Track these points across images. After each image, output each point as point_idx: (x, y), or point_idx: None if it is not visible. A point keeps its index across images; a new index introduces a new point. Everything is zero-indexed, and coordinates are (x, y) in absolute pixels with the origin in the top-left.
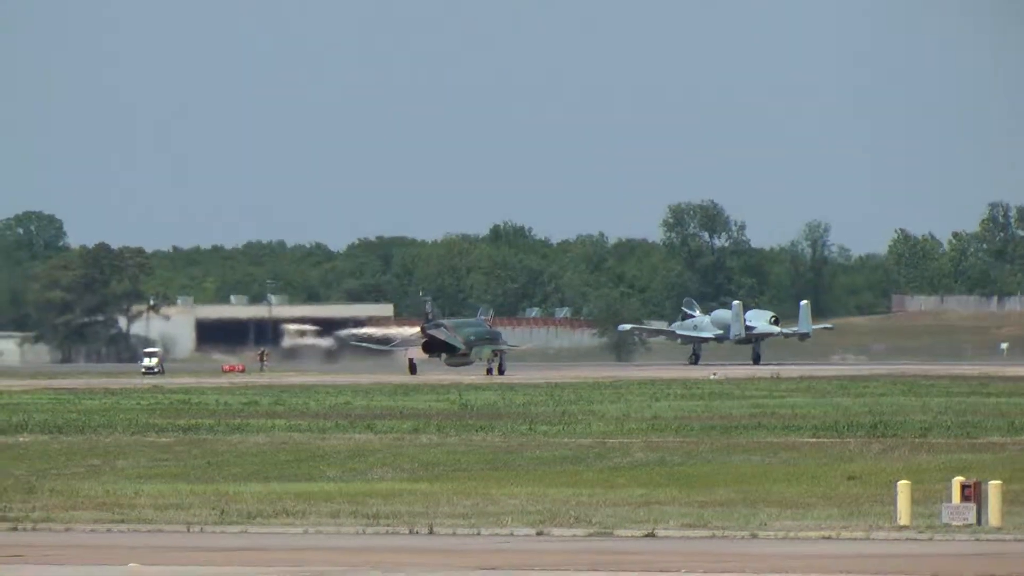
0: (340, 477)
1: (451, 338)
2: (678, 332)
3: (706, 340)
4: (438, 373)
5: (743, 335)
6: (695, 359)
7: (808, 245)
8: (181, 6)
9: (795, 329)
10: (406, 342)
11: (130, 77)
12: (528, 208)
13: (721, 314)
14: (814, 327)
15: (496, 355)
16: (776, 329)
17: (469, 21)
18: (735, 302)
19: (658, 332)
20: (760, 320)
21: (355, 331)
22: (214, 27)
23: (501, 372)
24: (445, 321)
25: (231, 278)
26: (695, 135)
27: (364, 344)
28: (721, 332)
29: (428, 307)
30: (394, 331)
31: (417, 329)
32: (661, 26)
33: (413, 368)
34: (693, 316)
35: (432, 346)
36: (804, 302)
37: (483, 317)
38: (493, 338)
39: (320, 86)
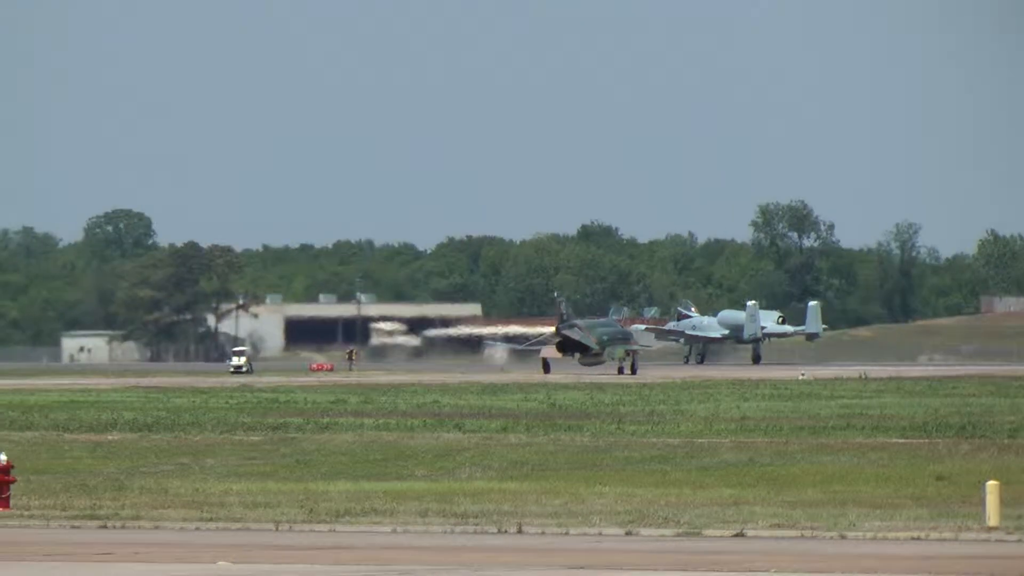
0: (429, 476)
1: (584, 338)
2: (688, 332)
3: (713, 340)
4: (573, 372)
5: (759, 335)
6: (700, 359)
7: (897, 246)
8: (266, 8)
9: (802, 329)
10: (541, 342)
11: (220, 76)
12: (617, 208)
13: (728, 314)
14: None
15: (628, 355)
16: (790, 329)
17: (554, 22)
18: (750, 302)
19: (668, 332)
20: (768, 320)
21: (488, 331)
22: (304, 27)
23: (633, 371)
24: (579, 321)
25: (320, 277)
26: (785, 135)
27: (500, 344)
28: (727, 332)
29: (562, 307)
30: (485, 330)
31: (551, 329)
32: (750, 25)
33: (547, 367)
34: (690, 316)
35: (566, 346)
36: (813, 303)
37: (615, 317)
38: (625, 338)
39: (409, 85)
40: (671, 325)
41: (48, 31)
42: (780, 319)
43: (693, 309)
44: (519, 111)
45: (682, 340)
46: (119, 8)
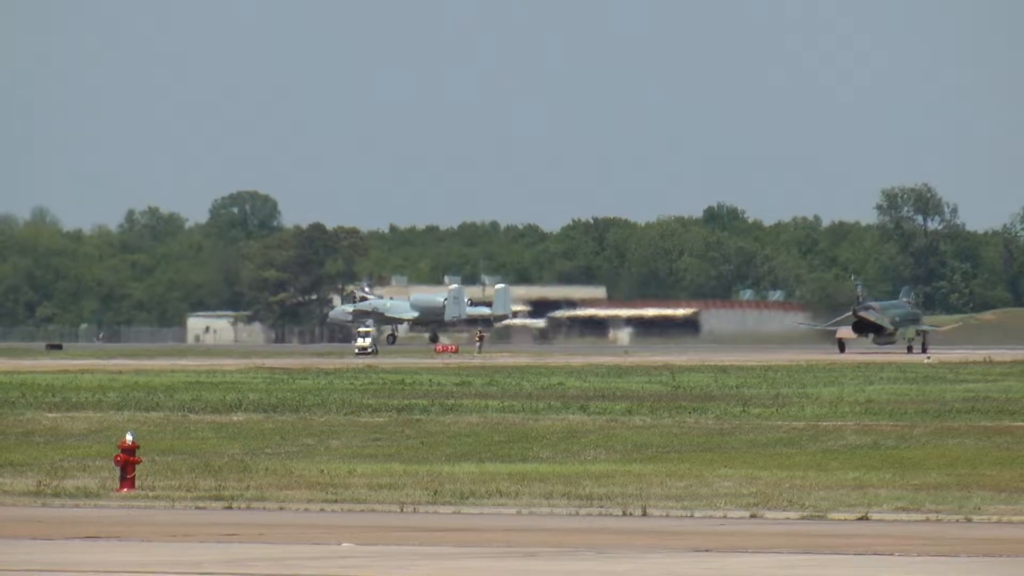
0: (553, 458)
1: (879, 319)
2: (384, 314)
3: (402, 321)
4: (868, 352)
5: (463, 316)
6: (392, 340)
7: (1022, 229)
8: None
9: (488, 311)
10: (837, 323)
11: (343, 58)
12: (742, 190)
13: (421, 297)
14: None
15: (918, 334)
16: (487, 310)
17: (682, 9)
18: (453, 285)
19: (362, 314)
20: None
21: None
22: (425, 11)
23: (924, 351)
24: (874, 303)
25: (445, 258)
26: (908, 118)
27: (806, 324)
28: (418, 314)
29: (859, 290)
30: (609, 312)
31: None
32: (873, 7)
33: (842, 347)
34: (368, 298)
35: (862, 326)
36: (500, 286)
37: (906, 299)
38: (915, 319)
39: (535, 68)
40: (353, 306)
41: (167, 13)
42: (469, 302)
43: (367, 290)
44: (645, 93)
45: (370, 323)
46: None
